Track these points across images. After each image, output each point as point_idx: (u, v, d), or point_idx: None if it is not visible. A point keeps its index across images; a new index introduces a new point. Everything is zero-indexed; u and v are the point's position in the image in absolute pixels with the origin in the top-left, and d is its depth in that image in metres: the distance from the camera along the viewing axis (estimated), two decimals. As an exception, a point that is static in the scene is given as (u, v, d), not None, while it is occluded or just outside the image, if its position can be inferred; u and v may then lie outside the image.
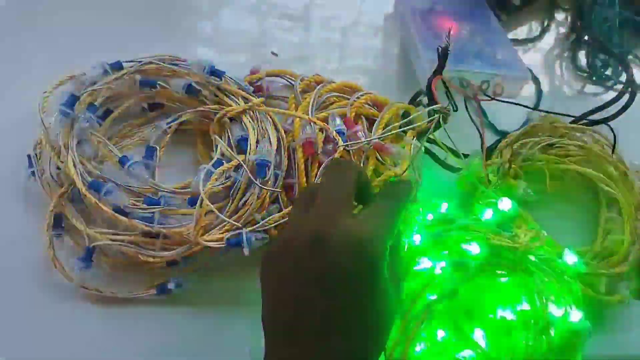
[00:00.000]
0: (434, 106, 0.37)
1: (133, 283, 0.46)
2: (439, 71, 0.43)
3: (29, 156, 0.48)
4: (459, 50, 0.57)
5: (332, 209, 0.34)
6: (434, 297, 0.45)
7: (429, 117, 0.39)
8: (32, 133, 0.48)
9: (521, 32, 0.71)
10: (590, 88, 0.68)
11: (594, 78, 0.68)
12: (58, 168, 0.46)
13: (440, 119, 0.38)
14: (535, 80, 0.64)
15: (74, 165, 0.45)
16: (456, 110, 0.44)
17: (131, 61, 0.50)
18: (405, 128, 0.45)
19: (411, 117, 0.46)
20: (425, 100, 0.51)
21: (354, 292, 0.32)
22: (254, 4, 0.67)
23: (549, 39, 0.71)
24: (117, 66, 0.49)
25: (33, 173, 0.47)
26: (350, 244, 0.32)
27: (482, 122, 0.48)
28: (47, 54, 0.56)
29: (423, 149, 0.46)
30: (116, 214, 0.44)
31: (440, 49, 0.42)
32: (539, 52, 0.69)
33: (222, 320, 0.46)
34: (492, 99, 0.50)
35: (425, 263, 0.46)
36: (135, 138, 0.51)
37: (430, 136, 0.46)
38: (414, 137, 0.48)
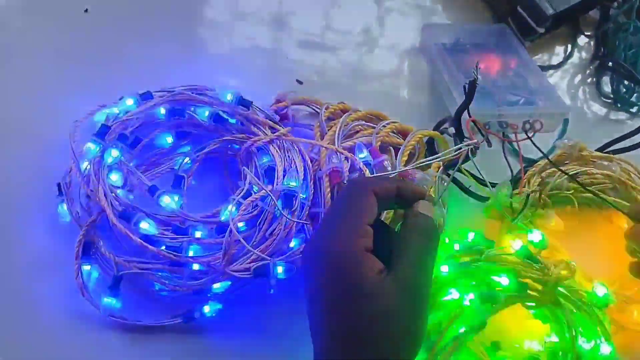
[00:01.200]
0: (468, 142, 0.37)
1: (160, 311, 0.46)
2: (466, 105, 0.43)
3: (58, 185, 0.49)
4: (493, 87, 0.58)
5: (322, 226, 0.37)
6: (462, 330, 0.44)
7: (456, 150, 0.39)
8: (64, 161, 0.49)
9: (544, 58, 0.71)
10: (615, 114, 0.67)
11: (619, 104, 0.68)
12: (88, 197, 0.47)
13: (469, 152, 0.38)
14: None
15: (104, 195, 0.45)
16: (490, 146, 0.44)
17: (161, 91, 0.51)
18: (432, 159, 0.45)
19: (442, 153, 0.46)
20: (451, 129, 0.51)
21: (326, 301, 0.33)
22: (276, 32, 0.68)
23: (572, 65, 0.71)
24: (148, 97, 0.50)
25: (63, 201, 0.48)
26: (316, 252, 0.35)
27: (522, 161, 0.48)
28: (78, 84, 0.57)
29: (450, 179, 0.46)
30: (145, 243, 0.44)
31: (467, 82, 0.42)
32: (562, 79, 0.69)
33: (248, 348, 0.46)
34: (529, 138, 0.50)
35: (453, 294, 0.46)
36: (163, 167, 0.51)
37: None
38: (439, 168, 0.48)
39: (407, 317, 0.33)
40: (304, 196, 0.47)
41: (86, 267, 0.46)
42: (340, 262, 0.33)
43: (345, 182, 0.48)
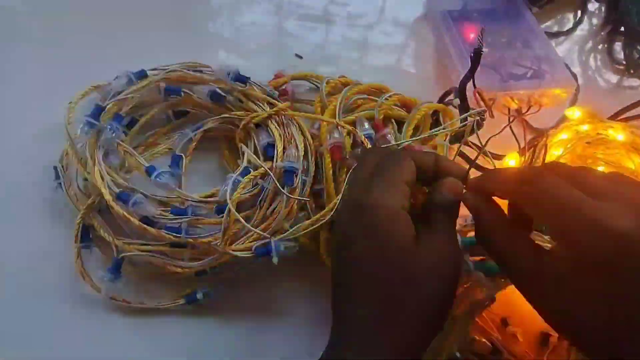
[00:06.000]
0: (472, 111, 0.36)
1: (161, 293, 0.46)
2: (471, 74, 0.42)
3: (55, 168, 0.48)
4: (499, 58, 0.56)
5: (354, 183, 0.36)
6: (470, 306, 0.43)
7: (462, 122, 0.37)
8: (59, 144, 0.48)
9: (554, 24, 0.68)
10: (628, 81, 0.65)
11: (632, 71, 0.65)
12: (85, 179, 0.46)
13: (475, 125, 0.36)
14: (572, 76, 0.62)
15: (101, 177, 0.44)
16: (492, 117, 0.42)
17: (155, 69, 0.50)
18: (437, 130, 0.43)
19: (447, 123, 0.44)
20: (456, 101, 0.49)
21: (355, 257, 0.32)
22: (274, 5, 0.66)
23: (583, 31, 0.68)
24: (142, 75, 0.49)
25: (60, 185, 0.47)
26: (348, 206, 0.34)
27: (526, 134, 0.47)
28: (71, 64, 0.56)
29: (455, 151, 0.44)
30: (144, 225, 0.43)
31: (473, 51, 0.41)
32: (573, 45, 0.67)
33: (251, 330, 0.46)
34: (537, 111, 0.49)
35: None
36: (161, 147, 0.50)
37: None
38: (445, 138, 0.47)
39: (436, 289, 0.32)
40: (305, 173, 0.46)
41: (86, 250, 0.46)
42: (376, 216, 0.32)
43: (347, 157, 0.46)
